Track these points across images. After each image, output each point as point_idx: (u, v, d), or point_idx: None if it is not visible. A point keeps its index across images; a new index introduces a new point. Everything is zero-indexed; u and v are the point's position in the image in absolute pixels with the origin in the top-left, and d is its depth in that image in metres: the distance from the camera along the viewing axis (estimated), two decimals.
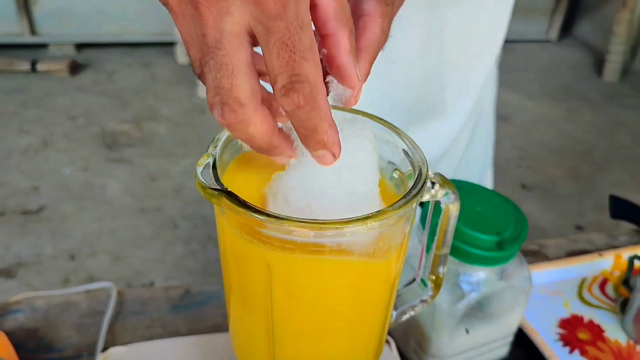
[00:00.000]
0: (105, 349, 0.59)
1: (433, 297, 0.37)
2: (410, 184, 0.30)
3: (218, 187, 0.27)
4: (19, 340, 0.60)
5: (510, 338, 0.58)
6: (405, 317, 0.37)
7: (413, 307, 0.37)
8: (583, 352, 0.60)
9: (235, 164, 0.32)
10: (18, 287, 1.48)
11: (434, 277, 0.36)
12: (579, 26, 3.55)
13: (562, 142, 2.40)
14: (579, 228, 1.87)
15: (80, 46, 2.89)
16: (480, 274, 0.52)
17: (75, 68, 2.72)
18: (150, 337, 0.61)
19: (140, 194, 1.90)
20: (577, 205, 1.99)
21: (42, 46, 2.83)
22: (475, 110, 0.79)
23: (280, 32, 0.26)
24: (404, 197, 0.28)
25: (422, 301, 0.37)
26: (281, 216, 0.25)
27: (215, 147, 0.29)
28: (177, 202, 1.87)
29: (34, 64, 2.63)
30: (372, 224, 0.26)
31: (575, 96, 2.75)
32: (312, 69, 0.26)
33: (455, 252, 0.50)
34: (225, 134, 0.31)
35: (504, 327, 0.57)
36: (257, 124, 0.26)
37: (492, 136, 0.89)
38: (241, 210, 0.26)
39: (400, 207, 0.27)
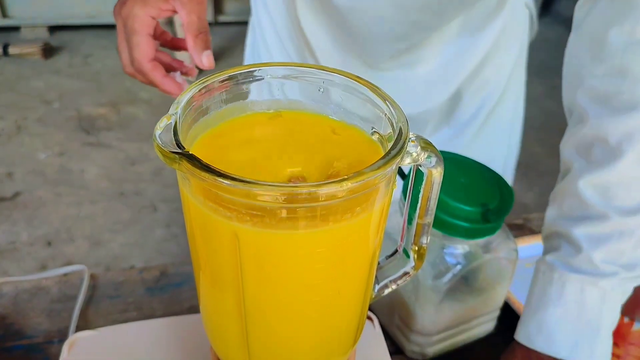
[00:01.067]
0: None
1: (416, 268, 0.35)
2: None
3: (179, 151, 0.24)
4: None
5: (497, 313, 0.57)
6: (387, 291, 0.35)
7: (395, 281, 0.35)
8: None
9: (205, 138, 0.29)
10: None
11: (416, 248, 0.34)
12: (558, 2, 3.54)
13: (543, 119, 2.39)
14: None
15: (53, 28, 2.81)
16: (465, 246, 0.50)
17: (49, 51, 2.64)
18: (125, 321, 0.58)
19: (118, 178, 1.86)
20: None
21: (14, 29, 2.75)
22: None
23: None
24: (382, 157, 0.25)
25: (405, 274, 0.35)
26: (248, 180, 0.23)
27: (177, 108, 0.27)
28: (156, 186, 1.83)
29: (5, 47, 2.55)
30: (348, 185, 0.23)
31: (556, 72, 2.74)
32: None
33: (439, 224, 0.48)
34: (186, 96, 0.28)
35: (491, 301, 0.55)
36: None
37: (522, 110, 0.87)
38: (204, 174, 0.23)
39: (378, 168, 0.25)
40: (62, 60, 2.63)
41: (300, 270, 0.27)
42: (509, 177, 0.88)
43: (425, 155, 0.30)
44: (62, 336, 0.56)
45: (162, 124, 0.26)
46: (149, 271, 0.66)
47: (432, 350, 0.54)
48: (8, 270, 1.47)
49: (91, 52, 2.71)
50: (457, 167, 0.52)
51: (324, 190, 0.23)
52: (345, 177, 0.24)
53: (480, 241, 0.51)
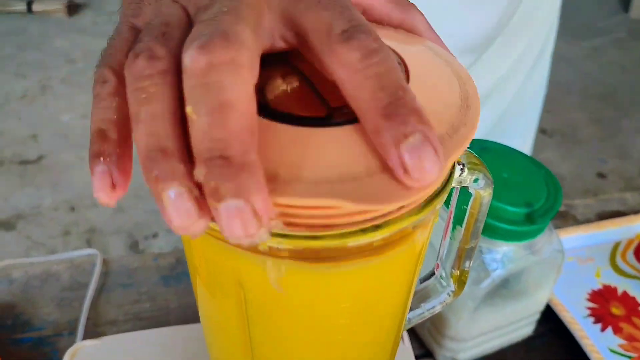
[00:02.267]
0: (87, 327, 0.54)
1: (455, 295, 0.30)
2: None
3: None
4: None
5: (537, 316, 0.52)
6: (420, 320, 0.31)
7: (431, 309, 0.31)
8: (617, 330, 0.53)
9: None
10: (17, 240, 1.44)
11: (457, 273, 0.30)
12: None
13: (583, 83, 2.28)
14: (601, 175, 1.79)
15: None
16: (506, 249, 0.45)
17: (73, 8, 2.60)
18: (138, 313, 0.56)
19: None
20: (599, 152, 1.89)
21: None
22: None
23: None
24: (425, 201, 0.21)
25: (442, 303, 0.30)
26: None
27: None
28: None
29: (29, 4, 2.51)
30: (379, 235, 0.19)
31: (599, 33, 2.60)
32: (369, 23, 0.21)
33: None
34: None
35: (531, 305, 0.50)
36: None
37: (545, 82, 0.80)
38: None
39: (418, 213, 0.20)
40: (86, 18, 2.59)
41: (319, 321, 0.23)
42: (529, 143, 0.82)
43: (473, 178, 0.25)
44: (72, 329, 0.54)
45: None
46: (164, 257, 0.62)
47: (464, 355, 0.50)
48: (32, 235, 1.47)
49: (116, 10, 2.66)
50: (500, 159, 0.47)
51: (351, 242, 0.19)
52: (377, 224, 0.19)
53: (523, 243, 0.45)
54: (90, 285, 0.57)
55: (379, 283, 0.23)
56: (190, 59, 0.19)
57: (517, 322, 0.51)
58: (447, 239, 0.29)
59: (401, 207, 0.20)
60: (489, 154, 0.46)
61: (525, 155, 0.47)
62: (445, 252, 0.30)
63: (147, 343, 0.39)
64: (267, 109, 0.21)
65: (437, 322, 0.49)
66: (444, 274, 0.30)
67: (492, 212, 0.43)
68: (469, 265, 0.30)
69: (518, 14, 0.66)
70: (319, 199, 0.18)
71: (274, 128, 0.20)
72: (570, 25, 2.59)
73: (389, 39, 0.24)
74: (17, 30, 2.40)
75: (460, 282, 0.30)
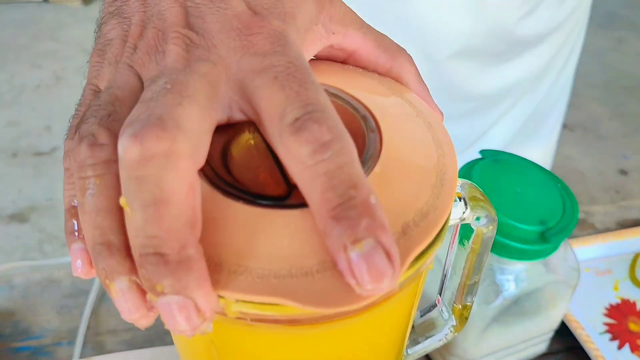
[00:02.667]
0: (87, 337, 0.53)
1: (456, 330, 0.28)
2: None
3: None
4: None
5: (551, 334, 0.50)
6: (421, 355, 0.29)
7: (431, 345, 0.29)
8: (634, 348, 0.51)
9: None
10: (31, 232, 1.44)
11: (459, 307, 0.28)
12: None
13: (607, 76, 2.21)
14: (623, 172, 1.74)
15: None
16: (519, 267, 0.43)
17: None
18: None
19: None
20: (622, 147, 1.84)
21: None
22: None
23: (282, 65, 0.20)
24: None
25: (442, 339, 0.28)
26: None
27: None
28: None
29: None
30: (360, 305, 0.17)
31: (624, 24, 2.53)
32: (329, 104, 0.19)
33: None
34: None
35: (545, 324, 0.48)
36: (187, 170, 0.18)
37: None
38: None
39: (407, 269, 0.18)
40: None
41: None
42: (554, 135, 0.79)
43: (475, 217, 0.23)
44: (72, 337, 0.53)
45: None
46: None
47: None
48: (46, 227, 1.47)
49: None
50: (513, 172, 0.44)
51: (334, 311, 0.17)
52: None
53: (536, 262, 0.43)
54: (91, 293, 0.56)
55: (363, 339, 0.21)
56: (123, 149, 0.17)
57: (529, 341, 0.48)
58: (448, 274, 0.27)
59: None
60: (501, 166, 0.44)
61: (541, 168, 0.45)
62: (445, 286, 0.28)
63: None
64: (222, 179, 0.20)
65: None
66: (444, 309, 0.28)
67: (504, 230, 0.40)
68: (472, 300, 0.28)
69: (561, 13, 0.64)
70: (263, 296, 0.17)
71: (227, 206, 0.19)
72: (594, 14, 2.52)
73: (370, 92, 0.23)
74: (33, 19, 2.40)
75: (462, 318, 0.28)
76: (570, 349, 0.51)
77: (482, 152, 0.45)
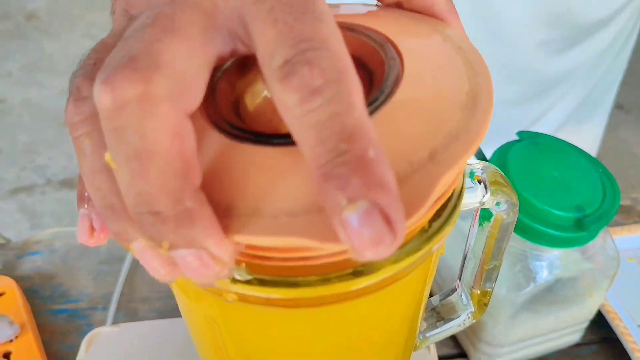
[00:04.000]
0: (120, 303, 0.54)
1: (475, 317, 0.27)
2: None
3: None
4: (34, 286, 0.56)
5: (586, 324, 0.48)
6: (439, 339, 0.28)
7: (449, 330, 0.28)
8: None
9: None
10: None
11: (478, 292, 0.27)
12: None
13: None
14: None
15: None
16: (554, 254, 0.41)
17: None
18: (170, 292, 0.55)
19: None
20: None
21: None
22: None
23: None
24: (420, 234, 0.17)
25: (460, 325, 0.28)
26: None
27: None
28: None
29: None
30: (360, 284, 0.16)
31: None
32: (333, 37, 0.16)
33: (521, 229, 0.39)
34: None
35: (579, 314, 0.46)
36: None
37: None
38: None
39: (410, 255, 0.17)
40: None
41: (300, 354, 0.20)
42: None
43: (494, 202, 0.21)
44: (106, 303, 0.54)
45: None
46: None
47: None
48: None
49: None
50: (551, 155, 0.42)
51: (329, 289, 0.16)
52: (361, 267, 0.16)
53: (572, 249, 0.41)
54: (125, 260, 0.58)
55: (369, 322, 0.20)
56: (96, 98, 0.16)
57: (561, 330, 0.47)
58: (468, 255, 0.26)
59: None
60: (539, 149, 0.42)
61: (581, 152, 0.43)
62: (465, 271, 0.27)
63: (165, 332, 0.39)
64: (229, 123, 0.18)
65: (473, 324, 0.46)
66: (463, 294, 0.28)
67: (538, 216, 0.39)
68: (491, 286, 0.27)
69: None
70: (277, 237, 0.15)
71: (232, 148, 0.18)
72: None
73: (397, 26, 0.21)
74: None
75: (481, 304, 0.27)
76: (605, 340, 0.49)
77: (519, 133, 0.43)
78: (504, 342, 0.45)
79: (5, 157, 1.64)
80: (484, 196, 0.21)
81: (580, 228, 0.39)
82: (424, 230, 0.17)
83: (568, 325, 0.47)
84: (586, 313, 0.46)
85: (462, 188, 0.19)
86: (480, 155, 0.44)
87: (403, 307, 0.21)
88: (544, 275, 0.41)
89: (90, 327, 0.53)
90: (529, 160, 0.41)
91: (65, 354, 0.50)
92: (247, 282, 0.16)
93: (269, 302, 0.16)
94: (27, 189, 1.53)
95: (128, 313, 0.54)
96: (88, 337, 0.38)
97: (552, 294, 0.44)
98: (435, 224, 0.18)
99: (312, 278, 0.16)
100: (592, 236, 0.40)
